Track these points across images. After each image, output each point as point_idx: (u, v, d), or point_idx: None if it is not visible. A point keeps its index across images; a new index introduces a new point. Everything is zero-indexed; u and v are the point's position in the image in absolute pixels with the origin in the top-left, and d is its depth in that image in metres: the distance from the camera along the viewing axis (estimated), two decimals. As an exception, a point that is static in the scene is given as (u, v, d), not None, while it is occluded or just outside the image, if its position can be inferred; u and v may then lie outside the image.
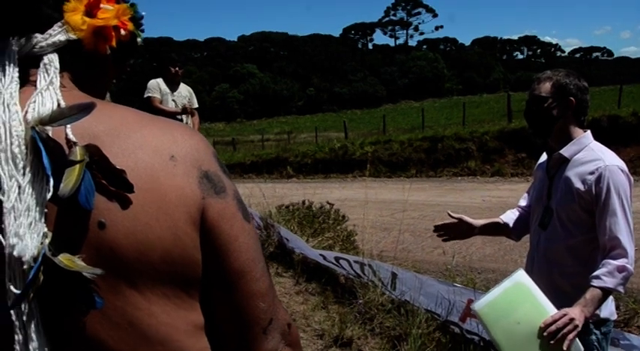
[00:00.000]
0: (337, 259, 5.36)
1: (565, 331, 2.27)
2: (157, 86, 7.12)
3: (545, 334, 2.29)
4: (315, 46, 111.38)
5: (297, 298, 5.12)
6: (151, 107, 7.06)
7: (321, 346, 4.46)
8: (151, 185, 0.84)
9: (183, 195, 0.86)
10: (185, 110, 7.16)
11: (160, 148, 0.87)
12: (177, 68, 7.23)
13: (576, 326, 2.28)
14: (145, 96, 7.12)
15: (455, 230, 2.95)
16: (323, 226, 6.71)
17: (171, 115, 7.08)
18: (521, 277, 2.47)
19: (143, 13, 1.01)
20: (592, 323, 2.50)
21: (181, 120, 7.16)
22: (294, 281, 5.39)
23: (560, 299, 2.42)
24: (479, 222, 2.94)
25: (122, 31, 0.95)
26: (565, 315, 2.30)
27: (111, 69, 1.03)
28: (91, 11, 0.92)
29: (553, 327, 2.29)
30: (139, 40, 1.03)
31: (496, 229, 2.97)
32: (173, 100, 7.20)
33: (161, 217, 0.84)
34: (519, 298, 2.41)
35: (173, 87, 7.24)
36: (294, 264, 5.56)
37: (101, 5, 0.93)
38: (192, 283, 0.89)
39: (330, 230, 6.62)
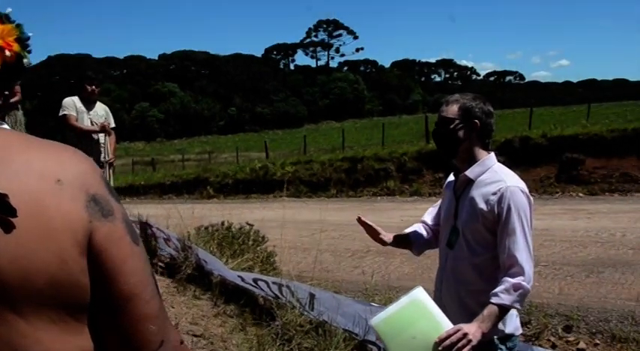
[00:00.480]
0: (255, 280, 5.31)
1: (459, 345, 2.34)
2: (72, 104, 6.91)
3: (440, 348, 2.35)
4: (237, 66, 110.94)
5: (214, 321, 5.03)
6: (66, 126, 6.86)
7: (238, 369, 4.40)
8: (35, 210, 0.82)
9: (69, 219, 0.84)
10: (103, 129, 6.99)
11: (45, 172, 0.85)
12: (93, 86, 7.04)
13: (470, 341, 2.35)
14: (60, 114, 6.89)
15: (371, 232, 3.01)
16: (242, 247, 6.64)
17: (89, 133, 6.90)
18: (419, 293, 2.52)
19: (30, 34, 0.99)
20: (497, 339, 2.58)
21: (98, 139, 6.99)
22: (212, 304, 5.30)
23: (469, 318, 2.48)
24: (389, 236, 3.01)
25: (7, 52, 0.93)
26: (459, 330, 2.37)
27: None
28: None
29: (447, 342, 2.35)
30: (25, 61, 1.01)
31: (403, 242, 3.05)
32: (89, 119, 7.00)
33: (46, 241, 0.82)
34: (416, 314, 2.46)
35: (89, 105, 7.03)
36: (213, 286, 5.47)
37: None
38: (80, 308, 0.87)
39: (249, 251, 6.56)
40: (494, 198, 2.54)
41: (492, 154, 2.72)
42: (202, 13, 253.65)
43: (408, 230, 3.08)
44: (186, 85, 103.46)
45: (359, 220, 2.98)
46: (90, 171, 0.92)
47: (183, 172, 27.31)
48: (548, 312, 5.78)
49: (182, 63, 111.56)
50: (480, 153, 2.69)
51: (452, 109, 2.66)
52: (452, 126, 2.64)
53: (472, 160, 2.68)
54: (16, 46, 0.95)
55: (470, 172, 2.66)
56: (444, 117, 2.67)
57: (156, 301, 0.96)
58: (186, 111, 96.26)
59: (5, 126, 4.41)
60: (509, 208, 2.50)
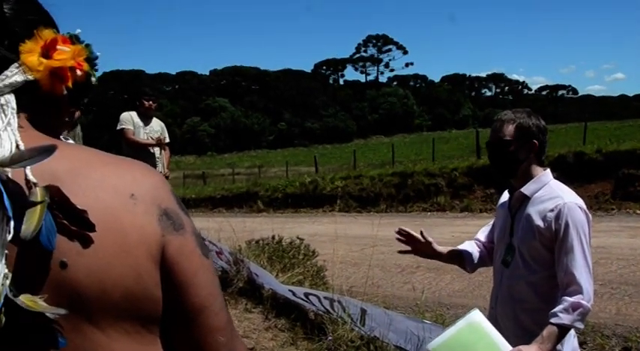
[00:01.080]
0: (307, 294, 5.32)
1: None
2: (130, 119, 7.07)
3: None
4: (287, 81, 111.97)
5: (266, 334, 5.05)
6: (124, 139, 7.01)
7: (289, 383, 4.40)
8: (111, 224, 0.84)
9: (143, 233, 0.87)
10: (159, 143, 7.13)
11: (119, 186, 0.88)
12: (150, 102, 7.21)
13: None
14: (118, 128, 7.06)
15: (416, 246, 2.91)
16: (293, 261, 6.66)
17: (145, 147, 7.04)
18: (476, 316, 2.48)
19: (98, 54, 1.03)
20: (555, 360, 2.51)
21: (154, 153, 7.13)
22: (263, 317, 5.33)
23: (525, 337, 2.44)
24: (444, 250, 2.94)
25: (78, 72, 0.96)
26: None
27: (66, 108, 1.03)
28: (47, 52, 0.93)
29: None
30: (93, 79, 1.05)
31: (455, 258, 2.98)
32: (145, 134, 7.15)
33: (122, 255, 0.84)
34: (473, 338, 2.43)
35: (146, 121, 7.20)
36: (264, 300, 5.51)
37: (57, 47, 0.94)
38: (153, 320, 0.90)
39: (300, 265, 6.58)
40: (551, 215, 2.49)
41: (548, 170, 2.67)
42: (253, 29, 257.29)
43: (461, 247, 3.03)
44: (236, 100, 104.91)
45: (400, 231, 2.90)
46: (160, 185, 0.94)
47: (234, 186, 27.59)
48: (605, 333, 5.62)
49: (233, 78, 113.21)
50: (536, 170, 2.64)
51: (508, 130, 2.59)
52: (511, 148, 2.58)
53: (529, 177, 2.63)
54: (85, 66, 0.99)
55: (525, 189, 2.61)
56: (500, 138, 2.61)
57: (224, 313, 0.98)
58: (236, 125, 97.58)
59: (70, 141, 4.55)
60: (567, 225, 2.44)
